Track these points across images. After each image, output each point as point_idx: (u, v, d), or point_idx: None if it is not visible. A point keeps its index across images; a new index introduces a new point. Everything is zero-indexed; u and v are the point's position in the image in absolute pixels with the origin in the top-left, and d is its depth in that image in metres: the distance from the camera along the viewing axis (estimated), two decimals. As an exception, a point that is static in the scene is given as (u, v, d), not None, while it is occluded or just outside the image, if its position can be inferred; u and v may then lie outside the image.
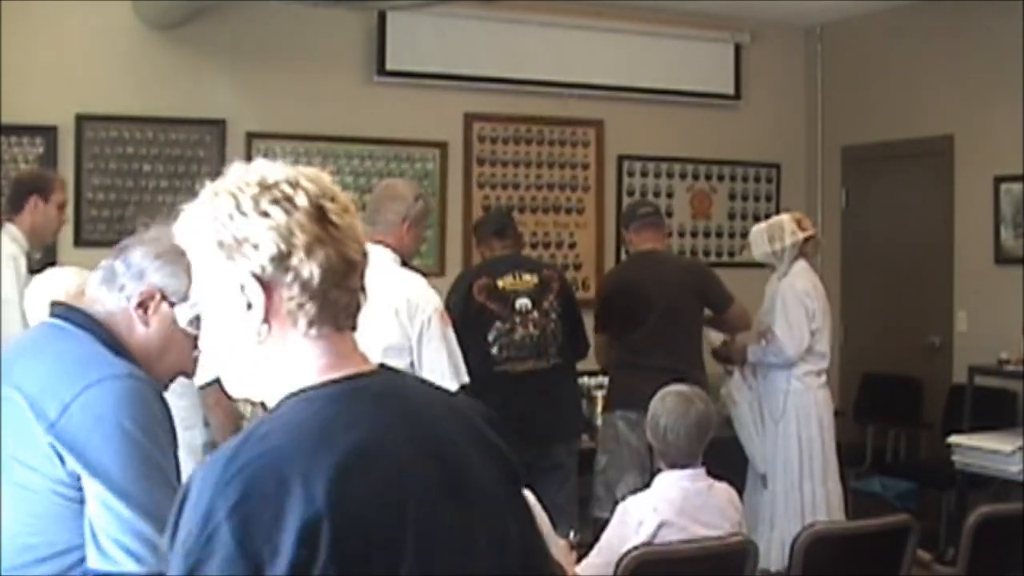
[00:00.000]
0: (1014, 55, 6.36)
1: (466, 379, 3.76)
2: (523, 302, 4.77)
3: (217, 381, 4.10)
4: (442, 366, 3.66)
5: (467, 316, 4.70)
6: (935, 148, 6.93)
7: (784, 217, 5.45)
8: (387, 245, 3.75)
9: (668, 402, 3.41)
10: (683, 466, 3.35)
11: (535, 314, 4.77)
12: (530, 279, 4.82)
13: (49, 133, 5.98)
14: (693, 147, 7.60)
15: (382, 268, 3.27)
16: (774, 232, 5.32)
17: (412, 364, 3.60)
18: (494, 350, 4.74)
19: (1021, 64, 6.30)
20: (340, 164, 6.66)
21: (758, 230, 5.40)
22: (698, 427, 3.36)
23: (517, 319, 4.75)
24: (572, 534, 3.51)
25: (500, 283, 4.79)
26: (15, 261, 4.39)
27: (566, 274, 7.19)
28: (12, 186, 4.79)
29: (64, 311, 2.03)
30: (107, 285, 2.03)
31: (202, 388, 3.63)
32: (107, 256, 2.14)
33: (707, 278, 5.31)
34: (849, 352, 7.34)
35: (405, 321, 3.64)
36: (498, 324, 4.74)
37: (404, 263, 3.83)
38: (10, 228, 4.56)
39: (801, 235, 5.28)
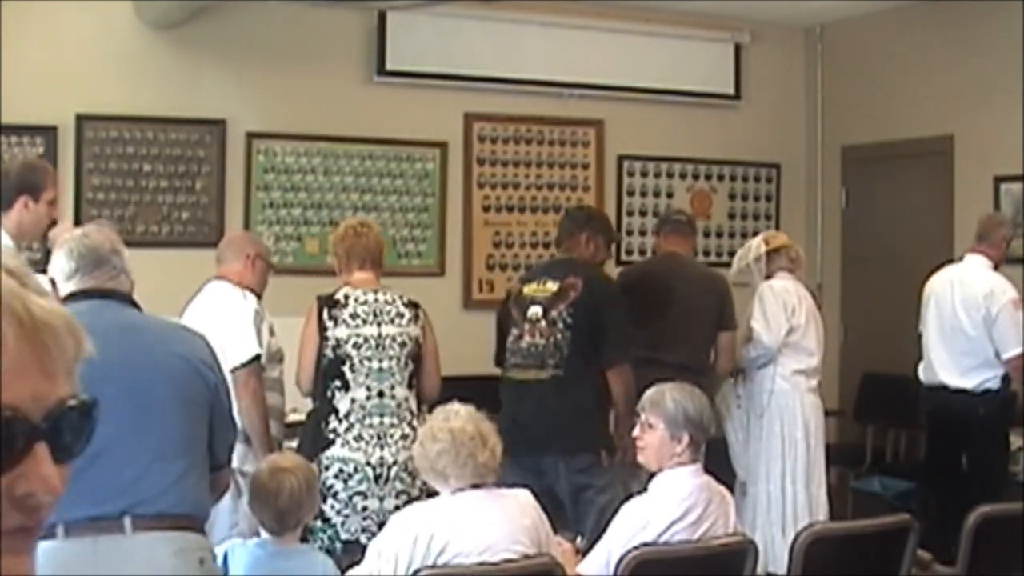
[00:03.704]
0: (1014, 55, 6.36)
1: (1019, 349, 5.28)
2: (535, 310, 4.70)
3: (246, 364, 4.51)
4: (1005, 337, 5.32)
5: (502, 324, 4.82)
6: (935, 148, 6.93)
7: (756, 238, 5.59)
8: (988, 256, 5.50)
9: (686, 391, 3.43)
10: (690, 462, 3.36)
11: (543, 323, 4.67)
12: (551, 286, 4.72)
13: (49, 133, 5.98)
14: (693, 147, 7.59)
15: (985, 272, 5.45)
16: (743, 252, 5.46)
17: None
18: (507, 356, 4.76)
19: (1021, 64, 6.30)
20: (340, 164, 6.66)
21: (737, 252, 5.62)
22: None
23: (526, 327, 4.70)
24: (579, 539, 3.52)
25: (525, 290, 4.78)
26: None
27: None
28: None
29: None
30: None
31: (233, 371, 3.90)
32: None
33: (727, 290, 5.34)
34: (849, 352, 7.34)
35: (988, 304, 5.36)
36: (513, 330, 4.72)
37: (996, 267, 5.51)
38: None
39: (764, 249, 5.34)
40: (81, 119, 6.06)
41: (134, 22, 6.15)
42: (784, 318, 5.24)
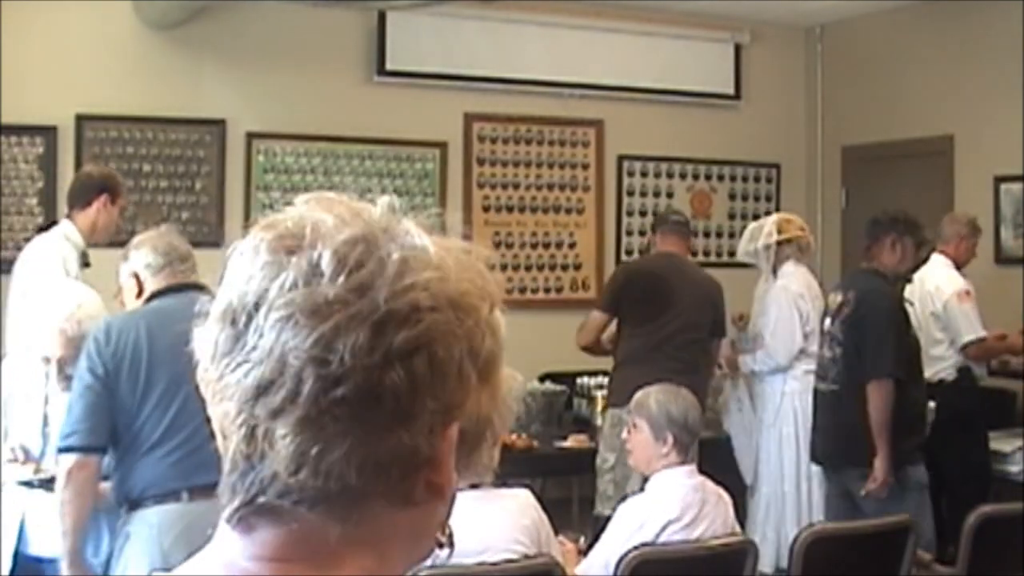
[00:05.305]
0: (1014, 55, 6.36)
1: (973, 336, 5.38)
2: (827, 320, 4.73)
3: None
4: (957, 328, 5.40)
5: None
6: (935, 148, 6.93)
7: (771, 217, 5.52)
8: (947, 255, 5.57)
9: (671, 392, 3.42)
10: (681, 463, 3.36)
11: (827, 336, 4.70)
12: (837, 299, 4.69)
13: (49, 133, 5.98)
14: (693, 147, 7.59)
15: (937, 269, 5.51)
16: (755, 232, 5.41)
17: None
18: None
19: (1021, 64, 6.30)
20: (340, 164, 6.67)
21: (748, 227, 5.52)
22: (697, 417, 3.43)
23: (823, 337, 4.76)
24: (582, 539, 3.52)
25: (829, 298, 4.82)
26: (64, 262, 4.32)
27: (566, 274, 7.25)
28: (81, 180, 4.67)
29: None
30: None
31: None
32: (111, 254, 3.08)
33: (721, 299, 5.34)
34: (849, 352, 7.32)
35: (935, 299, 5.45)
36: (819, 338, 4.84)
37: (959, 267, 5.56)
38: (67, 226, 4.45)
39: (775, 238, 5.31)
40: (81, 119, 6.06)
41: (134, 22, 6.15)
42: (799, 331, 5.23)
